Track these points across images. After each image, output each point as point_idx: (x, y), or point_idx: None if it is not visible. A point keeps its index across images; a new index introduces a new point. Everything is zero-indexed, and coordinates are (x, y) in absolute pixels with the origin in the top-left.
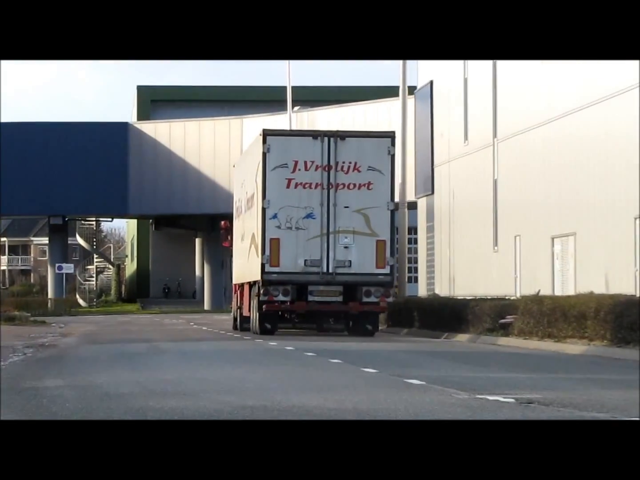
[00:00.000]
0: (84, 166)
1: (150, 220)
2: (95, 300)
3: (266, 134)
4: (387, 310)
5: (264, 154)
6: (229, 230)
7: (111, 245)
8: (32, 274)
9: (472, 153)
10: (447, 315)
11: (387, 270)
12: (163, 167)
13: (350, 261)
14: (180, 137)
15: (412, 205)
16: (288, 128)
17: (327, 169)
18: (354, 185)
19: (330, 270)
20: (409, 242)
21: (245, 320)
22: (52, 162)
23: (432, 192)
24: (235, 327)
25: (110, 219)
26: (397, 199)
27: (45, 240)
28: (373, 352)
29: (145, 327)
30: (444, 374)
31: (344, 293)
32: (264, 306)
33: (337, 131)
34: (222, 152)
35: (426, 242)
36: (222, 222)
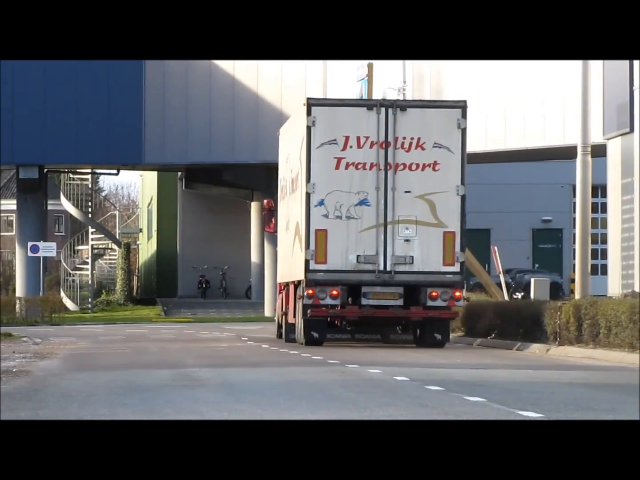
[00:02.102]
0: (72, 90)
1: (179, 174)
2: (90, 300)
3: (311, 103)
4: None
5: (309, 128)
6: (272, 211)
7: (116, 213)
8: None
9: None
10: None
11: (456, 267)
12: (199, 90)
13: (412, 257)
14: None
15: (599, 151)
16: (403, 81)
17: (384, 146)
18: (417, 165)
19: (388, 268)
20: (593, 209)
21: (291, 328)
22: (22, 86)
23: (632, 130)
24: (280, 336)
25: (115, 172)
26: (575, 140)
27: (11, 204)
28: (527, 383)
29: (169, 344)
30: None
31: (405, 295)
32: (308, 311)
33: (397, 100)
34: (293, 72)
35: (621, 210)
36: (265, 201)
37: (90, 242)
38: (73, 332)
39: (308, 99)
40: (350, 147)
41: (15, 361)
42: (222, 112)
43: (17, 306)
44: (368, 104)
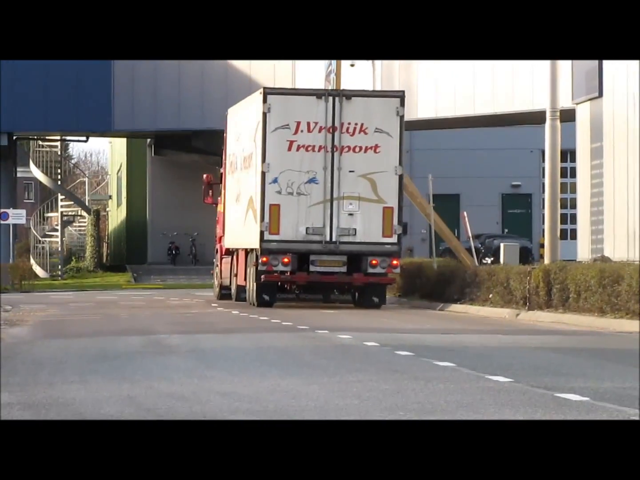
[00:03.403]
0: (41, 62)
1: (148, 141)
2: (60, 267)
3: (267, 92)
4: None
5: (264, 114)
6: (212, 185)
7: (86, 180)
8: None
9: None
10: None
11: (394, 239)
12: (167, 61)
13: (355, 229)
14: None
15: (568, 116)
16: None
17: (331, 130)
18: (360, 148)
19: (334, 239)
20: (562, 174)
21: (242, 289)
22: None
23: (600, 95)
24: (220, 297)
25: (84, 139)
26: (544, 105)
27: None
28: (497, 348)
29: (140, 310)
30: (619, 385)
31: (348, 263)
32: (262, 276)
33: (343, 90)
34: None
35: (590, 175)
36: (205, 176)
37: (60, 209)
38: (43, 299)
39: (264, 88)
40: (301, 131)
41: None
42: (191, 79)
43: None
44: (317, 93)
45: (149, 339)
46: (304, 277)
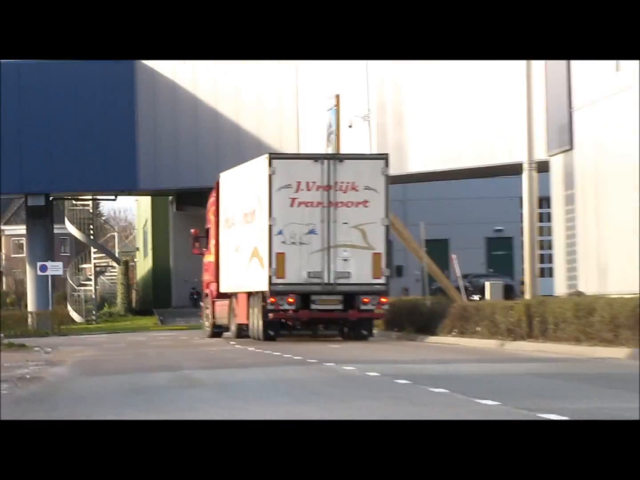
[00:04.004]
0: (72, 125)
1: (170, 198)
2: (94, 313)
3: (272, 157)
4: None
5: (270, 176)
6: (199, 237)
7: (115, 234)
8: (3, 278)
9: (627, 89)
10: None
11: (382, 280)
12: (186, 122)
13: (349, 272)
14: (210, 77)
15: (544, 167)
16: (365, 70)
17: (327, 188)
18: (352, 203)
19: (331, 281)
20: (540, 218)
21: (242, 327)
22: (27, 123)
23: (571, 147)
24: (213, 335)
25: (113, 197)
26: (521, 157)
27: (21, 229)
28: (485, 375)
29: (167, 349)
30: (594, 405)
31: (344, 301)
32: (269, 314)
33: (336, 154)
34: (269, 103)
35: (565, 219)
36: (193, 230)
37: (93, 261)
38: (79, 342)
39: (269, 154)
40: (302, 189)
41: (29, 368)
42: (207, 141)
43: (29, 320)
44: (315, 157)
45: (175, 375)
46: (306, 314)
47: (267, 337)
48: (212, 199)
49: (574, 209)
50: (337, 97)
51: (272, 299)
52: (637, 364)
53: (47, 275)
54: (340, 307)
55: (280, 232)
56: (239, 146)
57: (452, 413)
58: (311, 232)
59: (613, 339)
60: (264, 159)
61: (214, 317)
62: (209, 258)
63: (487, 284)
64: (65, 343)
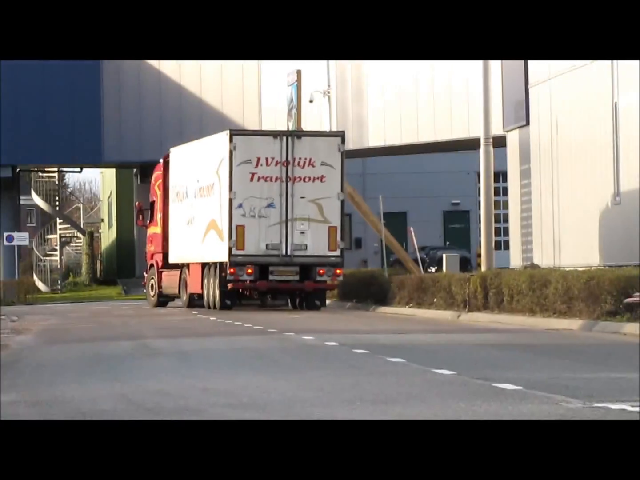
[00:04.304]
0: (38, 99)
1: (135, 170)
2: (60, 282)
3: (232, 133)
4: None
5: (231, 152)
6: (143, 210)
7: (80, 205)
8: None
9: (582, 66)
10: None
11: (338, 252)
12: (150, 97)
13: (306, 245)
14: (176, 66)
15: (500, 142)
16: (327, 81)
17: (285, 164)
18: (309, 178)
19: (289, 253)
20: (496, 192)
21: (194, 297)
22: None
23: (527, 123)
24: (157, 305)
25: (78, 170)
26: (478, 133)
27: None
28: (442, 345)
29: (130, 318)
30: (547, 375)
31: (301, 273)
32: (228, 284)
33: (294, 131)
34: (231, 78)
35: (520, 193)
36: (137, 203)
37: (59, 232)
38: (45, 311)
39: (230, 130)
40: (261, 165)
41: None
42: (171, 115)
43: None
44: (274, 133)
45: (137, 343)
46: (264, 284)
47: (224, 307)
48: (157, 173)
49: (529, 184)
50: (298, 72)
51: (231, 270)
52: (589, 335)
53: (13, 246)
54: (296, 278)
55: (240, 206)
56: (201, 120)
57: (407, 382)
58: (270, 205)
59: (567, 311)
60: (224, 135)
61: (160, 287)
62: (154, 230)
63: (444, 257)
64: (31, 312)
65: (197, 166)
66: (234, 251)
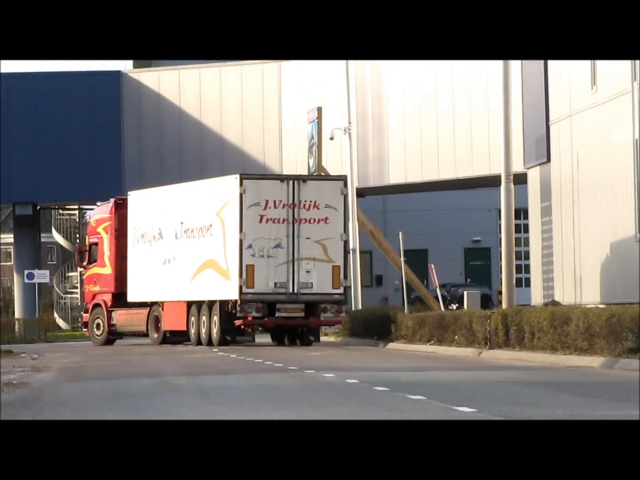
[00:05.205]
0: (59, 136)
1: None
2: (80, 320)
3: (242, 177)
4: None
5: (241, 195)
6: (82, 252)
7: None
8: None
9: (603, 103)
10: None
11: (341, 290)
12: (171, 133)
13: (312, 283)
14: (194, 88)
15: (521, 179)
16: (346, 83)
17: (292, 206)
18: (314, 220)
19: (295, 291)
20: (517, 229)
21: (174, 334)
22: (15, 134)
23: (548, 160)
24: (106, 343)
25: (98, 205)
26: (499, 170)
27: (8, 238)
28: (462, 383)
29: (150, 355)
30: (568, 412)
31: (306, 310)
32: (237, 321)
33: (300, 175)
34: (252, 114)
35: (541, 230)
36: (76, 244)
37: (79, 269)
38: (65, 348)
39: (240, 174)
40: (269, 207)
41: (15, 374)
42: (192, 152)
43: (16, 327)
44: (281, 177)
45: (158, 381)
46: (272, 321)
47: (223, 342)
48: (101, 216)
49: (550, 221)
50: (319, 109)
51: (241, 307)
52: (610, 372)
53: (34, 283)
54: (302, 314)
55: (250, 246)
56: (222, 157)
57: (429, 419)
58: (277, 246)
59: (588, 348)
60: (233, 178)
61: (110, 325)
62: (98, 270)
63: (465, 294)
64: (51, 350)
65: (180, 209)
66: (244, 289)
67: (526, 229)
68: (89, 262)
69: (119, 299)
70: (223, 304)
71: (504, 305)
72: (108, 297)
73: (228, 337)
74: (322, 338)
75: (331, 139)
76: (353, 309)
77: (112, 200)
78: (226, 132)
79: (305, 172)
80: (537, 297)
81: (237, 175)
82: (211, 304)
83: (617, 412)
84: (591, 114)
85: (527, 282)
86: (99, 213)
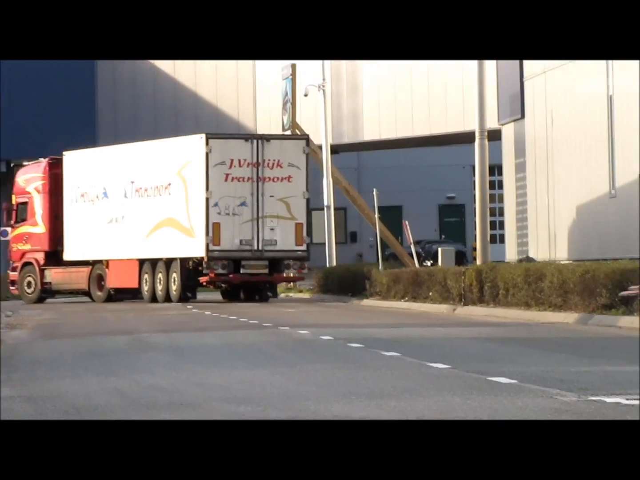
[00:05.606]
0: (32, 94)
1: None
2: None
3: (208, 137)
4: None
5: (207, 154)
6: (11, 210)
7: None
8: None
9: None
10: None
11: (304, 247)
12: (145, 91)
13: (275, 240)
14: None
15: (495, 135)
16: (321, 76)
17: (256, 165)
18: (278, 178)
19: (260, 248)
20: (491, 186)
21: (118, 291)
22: None
23: (522, 116)
24: (38, 300)
25: (25, 165)
26: (473, 126)
27: None
28: (437, 339)
29: (125, 312)
30: (542, 368)
31: (270, 266)
32: (203, 278)
33: (263, 134)
34: (227, 71)
35: (515, 187)
36: (4, 204)
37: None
38: (39, 306)
39: (206, 134)
40: (234, 166)
41: None
42: (166, 109)
43: None
44: (245, 137)
45: (133, 338)
46: (237, 277)
47: (184, 298)
48: (31, 175)
49: (524, 177)
50: (293, 66)
51: (207, 264)
52: (584, 328)
53: (7, 240)
54: (266, 271)
55: (215, 204)
56: (196, 115)
57: (402, 376)
58: (242, 204)
59: (562, 304)
60: (198, 138)
61: (43, 283)
62: (28, 229)
63: (440, 250)
64: (26, 307)
65: (130, 168)
66: (211, 247)
67: (500, 185)
68: (16, 221)
69: (52, 257)
70: (184, 261)
71: (478, 262)
72: (40, 256)
73: (189, 293)
74: (297, 295)
75: (305, 95)
76: (327, 265)
77: (42, 159)
78: (200, 90)
79: (280, 130)
80: (511, 253)
81: (203, 135)
82: (169, 261)
83: (592, 369)
84: (565, 69)
85: (502, 239)
86: (28, 172)
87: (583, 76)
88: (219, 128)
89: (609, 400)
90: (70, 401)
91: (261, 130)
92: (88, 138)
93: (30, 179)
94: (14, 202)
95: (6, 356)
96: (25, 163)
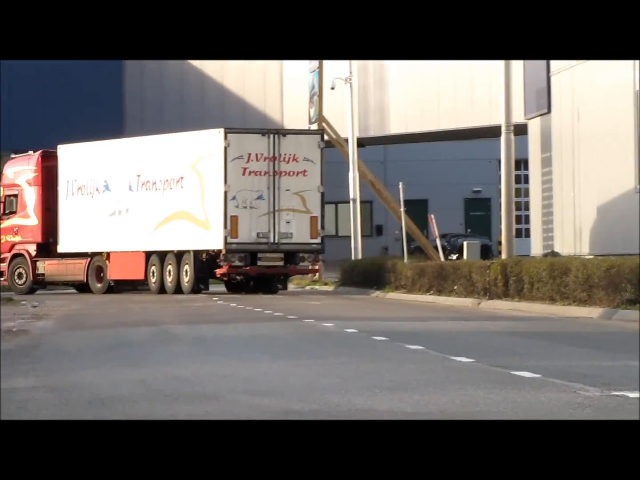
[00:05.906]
0: (61, 86)
1: None
2: None
3: (227, 131)
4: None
5: (225, 148)
6: (2, 202)
7: None
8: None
9: None
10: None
11: (318, 240)
12: (172, 83)
13: (291, 233)
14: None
15: (521, 130)
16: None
17: (272, 159)
18: (293, 172)
19: (276, 241)
20: (517, 180)
21: (120, 283)
22: (17, 82)
23: (549, 111)
24: (29, 292)
25: (13, 157)
26: (499, 120)
27: None
28: (461, 333)
29: (151, 304)
30: (566, 363)
31: (285, 259)
32: (220, 270)
33: (280, 129)
34: (254, 64)
35: (541, 181)
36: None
37: None
38: (66, 297)
39: (225, 128)
40: (252, 160)
41: (16, 322)
42: (193, 101)
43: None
44: (262, 131)
45: (157, 329)
46: (254, 269)
47: (196, 291)
48: (21, 168)
49: (550, 172)
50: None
51: (225, 257)
52: (608, 323)
53: None
54: (282, 263)
55: (234, 198)
56: (223, 106)
57: (426, 369)
58: (259, 197)
59: (587, 299)
60: (217, 132)
61: (35, 275)
62: (19, 221)
63: (465, 244)
64: (52, 297)
65: (136, 162)
66: (229, 239)
67: (526, 179)
68: (4, 213)
69: (44, 249)
70: (197, 253)
71: (503, 256)
72: (32, 248)
73: (202, 285)
74: (322, 287)
75: (332, 88)
76: (353, 258)
77: (33, 152)
78: (227, 82)
79: (307, 123)
80: (536, 247)
81: (221, 130)
82: (180, 253)
83: (615, 363)
84: (592, 64)
85: (527, 233)
86: (18, 165)
87: (610, 71)
88: (245, 121)
89: (631, 395)
90: (94, 391)
91: (288, 123)
92: (116, 132)
93: (20, 171)
94: (1, 194)
95: (31, 346)
96: (13, 155)
